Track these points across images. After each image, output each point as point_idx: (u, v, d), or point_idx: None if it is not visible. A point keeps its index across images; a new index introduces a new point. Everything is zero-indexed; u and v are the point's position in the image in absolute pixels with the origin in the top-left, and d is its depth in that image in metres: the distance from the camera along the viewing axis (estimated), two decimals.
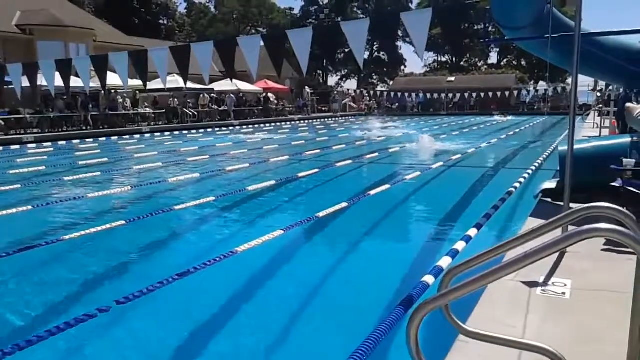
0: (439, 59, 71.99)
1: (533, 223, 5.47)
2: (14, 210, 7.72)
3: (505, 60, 68.11)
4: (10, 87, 11.65)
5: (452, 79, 54.13)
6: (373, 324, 3.76)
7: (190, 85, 28.41)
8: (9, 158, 16.16)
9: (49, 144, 20.49)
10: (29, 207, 8.31)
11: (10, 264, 5.57)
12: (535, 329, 3.05)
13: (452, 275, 2.48)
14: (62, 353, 3.89)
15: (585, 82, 29.09)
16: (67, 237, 6.18)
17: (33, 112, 23.56)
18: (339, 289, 5.20)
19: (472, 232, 5.53)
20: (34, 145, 20.17)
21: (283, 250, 6.24)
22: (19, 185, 10.57)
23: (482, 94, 45.73)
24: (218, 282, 5.12)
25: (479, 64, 69.77)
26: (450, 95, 48.36)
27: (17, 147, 19.54)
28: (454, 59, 70.07)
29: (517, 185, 8.46)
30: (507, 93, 45.53)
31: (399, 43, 69.65)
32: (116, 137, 23.19)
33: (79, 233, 6.34)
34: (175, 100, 29.83)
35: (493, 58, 70.48)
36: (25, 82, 10.79)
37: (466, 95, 47.32)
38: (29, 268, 5.83)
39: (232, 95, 33.89)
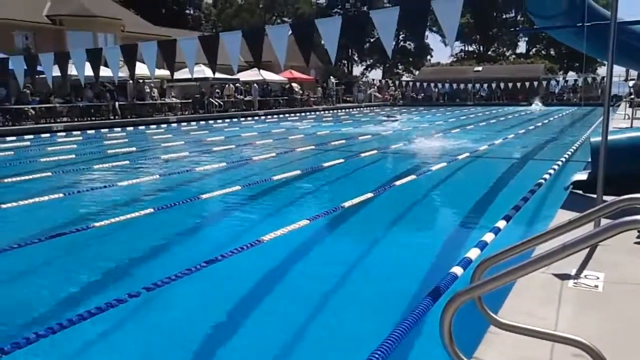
0: (466, 49, 71.06)
1: (564, 215, 5.37)
2: (46, 198, 7.88)
3: (534, 50, 66.88)
4: (41, 76, 11.84)
5: (480, 68, 53.35)
6: (400, 315, 3.75)
7: (216, 75, 28.60)
8: (39, 146, 16.49)
9: (78, 132, 20.85)
10: (60, 195, 8.45)
11: (42, 250, 5.68)
12: (567, 322, 3.00)
13: (485, 266, 2.45)
14: (94, 337, 3.97)
15: (616, 72, 28.43)
16: (97, 224, 6.29)
17: (63, 101, 23.97)
18: (365, 279, 5.19)
19: (501, 224, 5.46)
20: (63, 133, 20.54)
21: (309, 239, 6.25)
22: (50, 173, 10.79)
23: (510, 84, 45.06)
24: (245, 270, 5.15)
25: (507, 54, 68.67)
26: (477, 85, 47.71)
27: (47, 135, 19.91)
28: (482, 49, 69.07)
29: (547, 176, 8.33)
30: (535, 83, 44.79)
31: (426, 32, 68.85)
32: (143, 127, 23.45)
33: (108, 220, 6.43)
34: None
35: (521, 47, 69.32)
36: (56, 72, 10.95)
37: (493, 85, 46.66)
38: (60, 254, 5.94)
39: (255, 85, 33.97)
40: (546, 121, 25.75)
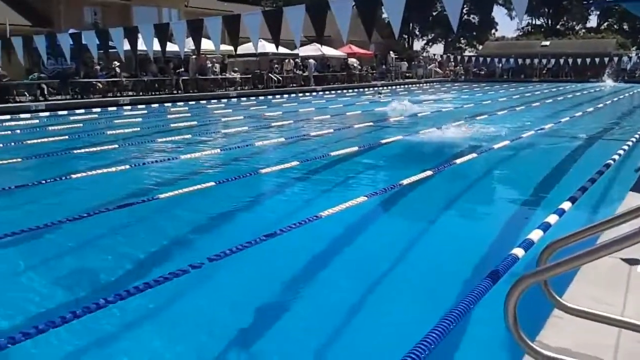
0: (534, 22, 68.22)
1: (634, 198, 5.14)
2: (113, 169, 8.20)
3: (605, 24, 63.48)
4: (112, 51, 12.20)
5: (547, 43, 51.16)
6: (458, 296, 3.71)
7: (276, 50, 28.66)
8: (107, 119, 17.11)
9: (143, 106, 21.45)
10: (126, 167, 8.77)
11: (108, 220, 5.93)
12: (635, 309, 2.89)
13: (552, 249, 2.38)
14: (157, 305, 4.13)
15: None
16: (161, 195, 6.49)
17: (129, 75, 24.70)
18: (422, 258, 5.15)
19: (566, 205, 5.27)
20: (129, 107, 21.20)
21: (366, 216, 6.25)
22: (116, 145, 11.20)
23: (579, 60, 43.01)
24: (303, 244, 5.21)
25: (577, 28, 65.51)
26: (544, 60, 45.75)
27: (114, 108, 20.60)
28: (550, 22, 66.13)
29: (616, 157, 7.97)
30: (606, 59, 42.61)
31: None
32: (205, 101, 23.88)
33: (172, 192, 6.63)
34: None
35: (592, 21, 65.93)
36: (126, 46, 11.24)
37: (561, 61, 44.64)
38: (125, 224, 6.19)
39: (311, 60, 33.85)
40: (616, 99, 24.54)
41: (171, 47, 12.29)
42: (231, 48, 9.50)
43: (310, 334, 3.77)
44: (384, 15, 7.33)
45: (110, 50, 12.37)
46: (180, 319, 4.04)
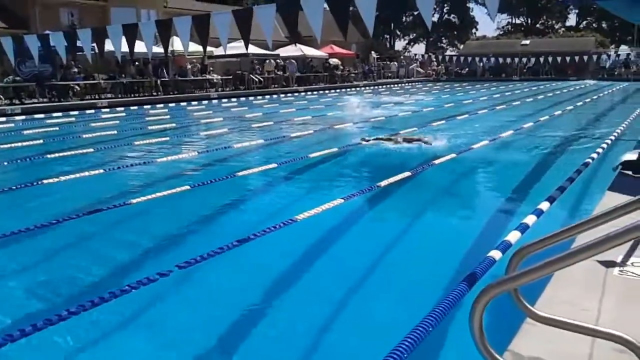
0: (514, 21, 68.82)
1: (612, 197, 5.11)
2: (86, 174, 8.02)
3: (584, 23, 64.22)
4: (81, 53, 11.95)
5: (527, 42, 51.64)
6: (434, 300, 3.62)
7: (256, 51, 28.43)
8: (84, 122, 16.80)
9: (122, 108, 21.11)
10: (101, 171, 8.57)
11: (79, 226, 5.76)
12: (611, 314, 2.82)
13: (522, 255, 2.29)
14: (124, 314, 3.99)
15: None
16: (134, 200, 6.33)
17: (107, 77, 24.33)
18: (398, 261, 5.06)
19: (544, 205, 5.23)
20: (107, 109, 20.85)
21: (343, 219, 6.14)
22: (92, 149, 10.98)
23: (559, 59, 43.42)
24: (277, 250, 5.09)
25: (556, 27, 66.18)
26: (524, 59, 46.14)
27: (92, 111, 20.24)
28: (530, 21, 66.73)
29: (595, 156, 7.96)
30: (585, 57, 43.05)
31: (471, 4, 67.09)
32: (185, 103, 23.59)
33: (145, 197, 6.48)
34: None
35: (571, 20, 66.72)
36: (96, 48, 11.04)
37: (541, 59, 45.04)
38: (96, 230, 6.02)
39: (292, 60, 33.68)
40: (595, 97, 24.75)
41: (144, 48, 12.06)
42: (210, 49, 9.38)
43: (286, 340, 3.66)
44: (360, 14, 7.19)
45: (78, 53, 12.14)
46: (147, 327, 3.90)
